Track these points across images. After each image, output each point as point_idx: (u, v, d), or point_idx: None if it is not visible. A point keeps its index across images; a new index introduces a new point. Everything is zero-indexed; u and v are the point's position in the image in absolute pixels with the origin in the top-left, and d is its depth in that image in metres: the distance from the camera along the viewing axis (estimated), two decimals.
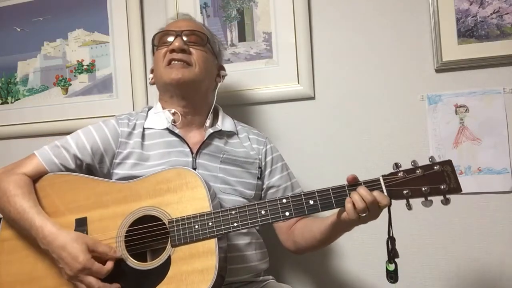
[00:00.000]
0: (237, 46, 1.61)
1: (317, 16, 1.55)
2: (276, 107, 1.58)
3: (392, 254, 1.02)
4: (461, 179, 1.39)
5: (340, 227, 1.08)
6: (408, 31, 1.47)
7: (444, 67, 1.43)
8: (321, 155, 1.54)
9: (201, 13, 1.64)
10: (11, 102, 1.88)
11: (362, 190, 0.99)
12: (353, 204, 0.99)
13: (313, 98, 1.55)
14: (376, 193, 0.99)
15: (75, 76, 1.80)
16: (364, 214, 0.98)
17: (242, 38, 1.61)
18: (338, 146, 1.53)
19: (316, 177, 1.52)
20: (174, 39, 1.24)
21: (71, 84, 1.81)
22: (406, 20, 1.47)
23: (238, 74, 1.59)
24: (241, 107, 1.59)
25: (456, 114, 1.43)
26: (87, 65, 1.79)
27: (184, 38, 1.25)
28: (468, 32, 1.41)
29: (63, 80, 1.81)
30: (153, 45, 1.31)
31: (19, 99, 1.87)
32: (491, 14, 1.40)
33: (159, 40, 1.29)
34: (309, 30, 1.54)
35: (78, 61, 1.80)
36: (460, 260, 1.42)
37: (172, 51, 1.23)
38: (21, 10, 1.86)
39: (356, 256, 1.51)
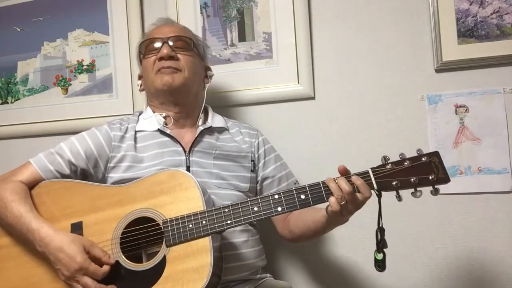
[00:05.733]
0: (237, 46, 1.61)
1: (317, 16, 1.55)
2: (276, 107, 1.58)
3: (381, 245, 1.03)
4: (461, 179, 1.42)
5: (330, 219, 1.09)
6: (408, 31, 1.47)
7: (444, 67, 1.43)
8: (321, 155, 1.54)
9: (201, 13, 1.64)
10: (11, 102, 1.88)
11: (341, 180, 1.01)
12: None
13: (313, 98, 1.55)
14: (359, 182, 1.00)
15: (75, 76, 1.80)
16: (342, 203, 1.00)
17: (242, 38, 1.60)
18: (338, 146, 1.53)
19: (316, 177, 1.50)
20: (161, 46, 1.25)
21: (71, 84, 1.81)
22: (406, 20, 1.47)
23: (238, 74, 1.59)
24: (241, 107, 1.59)
25: (456, 114, 1.43)
26: (87, 65, 1.79)
27: (170, 43, 1.26)
28: (468, 32, 1.41)
29: (63, 80, 1.81)
30: (140, 53, 1.32)
31: (19, 99, 1.87)
32: (491, 14, 1.40)
33: (146, 48, 1.30)
34: (309, 30, 1.54)
35: (78, 61, 1.80)
36: (460, 260, 1.42)
37: (161, 58, 1.24)
38: (21, 10, 1.86)
39: (355, 252, 1.50)
